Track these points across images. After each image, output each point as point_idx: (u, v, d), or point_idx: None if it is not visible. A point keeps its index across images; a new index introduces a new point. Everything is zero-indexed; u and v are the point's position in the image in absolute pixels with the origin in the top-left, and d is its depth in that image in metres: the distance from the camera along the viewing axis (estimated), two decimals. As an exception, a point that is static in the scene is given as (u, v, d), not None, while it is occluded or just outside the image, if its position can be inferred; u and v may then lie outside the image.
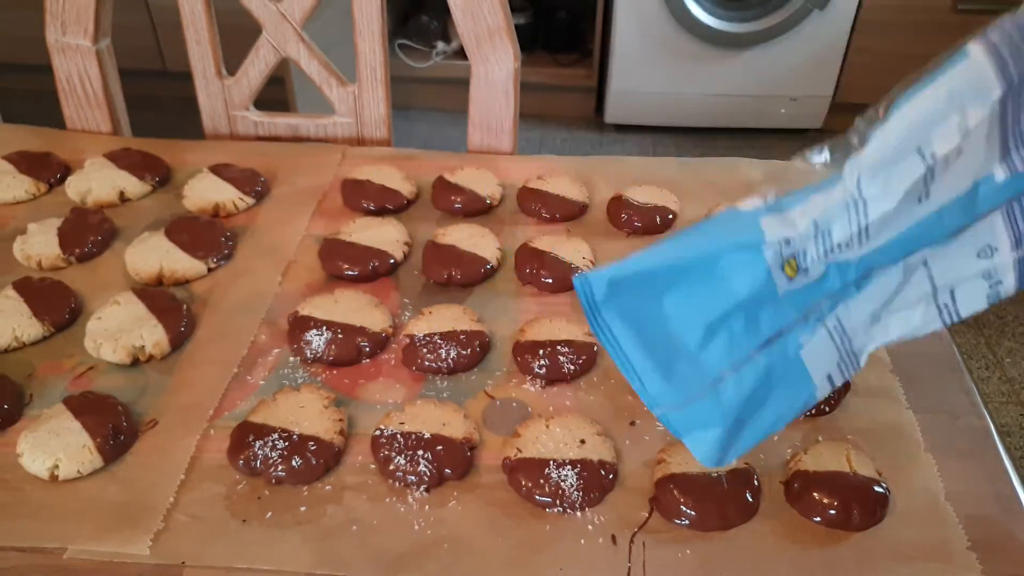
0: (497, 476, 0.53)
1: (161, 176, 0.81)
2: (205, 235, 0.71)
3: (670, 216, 0.75)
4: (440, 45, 2.40)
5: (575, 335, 0.62)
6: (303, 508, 0.51)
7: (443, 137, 2.35)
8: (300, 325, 0.63)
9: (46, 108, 1.00)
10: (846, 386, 0.58)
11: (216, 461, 0.54)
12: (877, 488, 0.51)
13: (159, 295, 0.65)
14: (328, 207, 0.78)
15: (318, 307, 0.64)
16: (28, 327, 0.63)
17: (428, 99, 2.44)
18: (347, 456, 0.55)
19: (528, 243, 0.71)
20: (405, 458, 0.53)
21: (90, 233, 0.72)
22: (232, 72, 0.89)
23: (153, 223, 0.75)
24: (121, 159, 0.81)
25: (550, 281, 0.68)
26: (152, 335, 0.61)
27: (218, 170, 0.80)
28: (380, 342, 0.62)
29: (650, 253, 0.43)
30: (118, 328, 0.62)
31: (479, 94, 0.85)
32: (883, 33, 2.15)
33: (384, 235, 0.72)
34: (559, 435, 0.54)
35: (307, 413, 0.56)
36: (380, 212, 0.77)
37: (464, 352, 0.61)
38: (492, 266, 0.70)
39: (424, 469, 0.52)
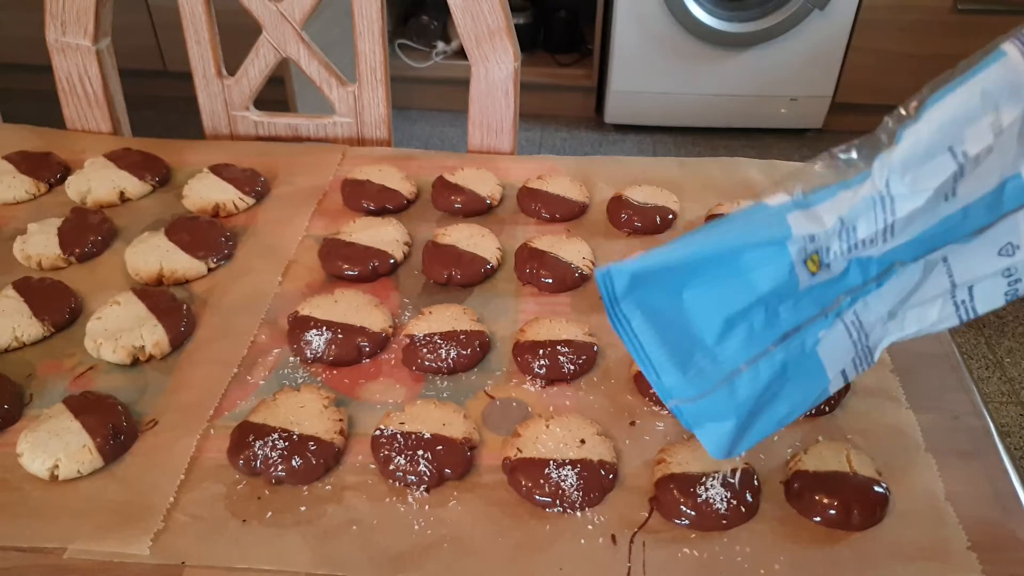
0: (497, 476, 0.53)
1: (161, 176, 0.81)
2: (205, 235, 0.71)
3: (670, 216, 0.75)
4: (440, 45, 2.40)
5: (575, 335, 0.62)
6: (303, 508, 0.51)
7: (443, 137, 2.35)
8: (300, 325, 0.63)
9: (46, 108, 1.00)
10: (846, 386, 0.58)
11: (216, 461, 0.54)
12: (877, 488, 0.51)
13: (159, 295, 0.65)
14: (328, 207, 0.78)
15: (318, 307, 0.64)
16: (28, 327, 0.63)
17: (428, 99, 2.44)
18: (347, 456, 0.55)
19: (528, 243, 0.71)
20: (405, 458, 0.53)
21: (90, 233, 0.72)
22: (232, 72, 0.89)
23: (153, 223, 0.75)
24: (121, 159, 0.81)
25: (550, 281, 0.68)
26: (152, 335, 0.61)
27: (218, 170, 0.80)
28: (380, 342, 0.62)
29: (673, 247, 0.43)
30: (118, 328, 0.62)
31: (479, 94, 0.85)
32: (883, 33, 2.15)
33: (384, 235, 0.72)
34: (559, 435, 0.54)
35: (307, 413, 0.56)
36: (380, 212, 0.77)
37: (464, 352, 0.61)
38: (492, 266, 0.70)
39: (424, 469, 0.52)
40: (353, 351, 0.61)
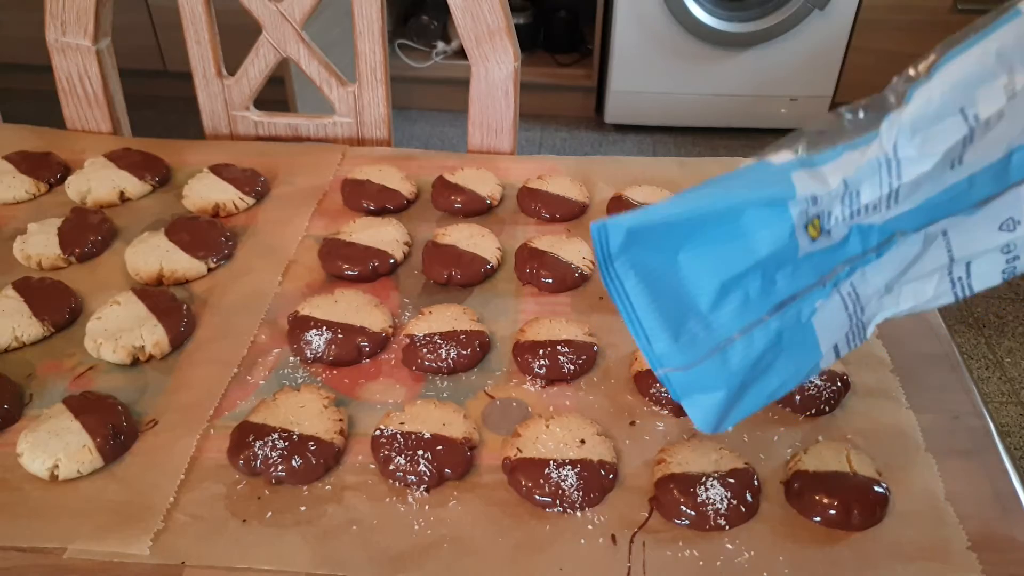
0: (497, 476, 0.53)
1: (161, 176, 0.81)
2: (205, 235, 0.71)
3: (670, 216, 0.75)
4: (440, 45, 2.40)
5: (575, 335, 0.62)
6: (303, 508, 0.51)
7: (443, 137, 2.35)
8: (300, 325, 0.63)
9: (46, 108, 1.00)
10: (846, 386, 0.58)
11: (216, 461, 0.54)
12: (877, 488, 0.51)
13: (159, 295, 0.65)
14: (328, 207, 0.78)
15: (318, 307, 0.64)
16: (28, 327, 0.63)
17: (428, 99, 2.44)
18: (347, 456, 0.55)
19: (528, 243, 0.71)
20: (405, 458, 0.53)
21: (90, 233, 0.72)
22: (232, 72, 0.89)
23: (153, 223, 0.75)
24: (121, 159, 0.81)
25: (550, 281, 0.68)
26: (152, 335, 0.61)
27: (218, 170, 0.80)
28: (380, 342, 0.62)
29: (673, 202, 0.41)
30: (118, 328, 0.62)
31: (479, 94, 0.85)
32: (883, 33, 2.15)
33: (384, 235, 0.72)
34: (559, 435, 0.54)
35: (307, 413, 0.56)
36: (380, 212, 0.77)
37: (464, 352, 0.61)
38: (492, 266, 0.70)
39: (424, 469, 0.52)
40: (353, 351, 0.61)
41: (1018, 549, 0.49)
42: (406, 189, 0.78)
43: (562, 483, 0.51)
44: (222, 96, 0.89)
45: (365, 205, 0.77)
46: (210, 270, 0.70)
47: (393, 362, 0.62)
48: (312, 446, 0.53)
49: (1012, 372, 1.65)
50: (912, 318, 0.64)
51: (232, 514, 0.51)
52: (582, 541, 0.49)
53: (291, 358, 0.62)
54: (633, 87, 2.28)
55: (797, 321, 0.43)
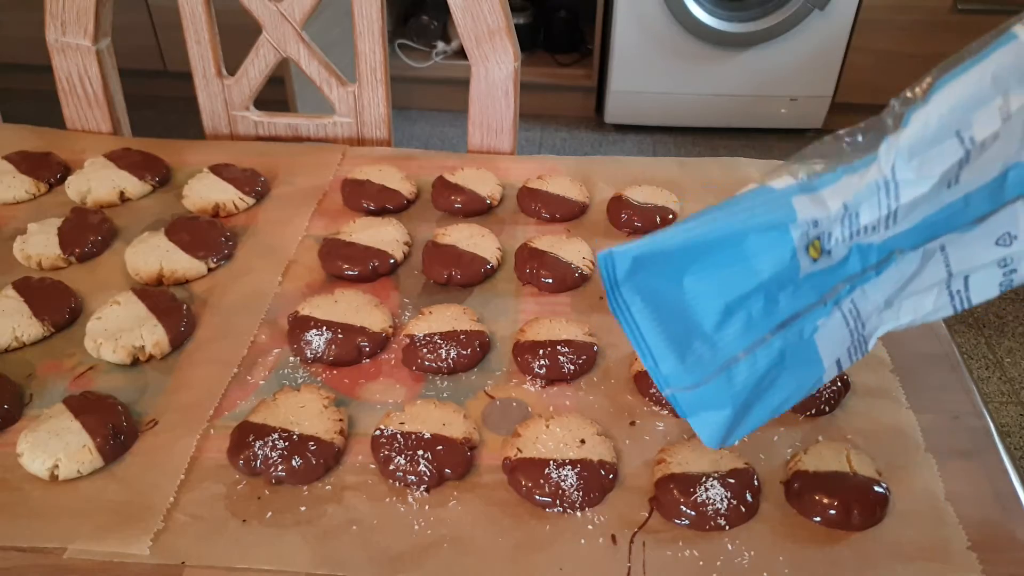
0: (497, 476, 0.53)
1: (161, 176, 0.81)
2: (205, 235, 0.71)
3: (670, 216, 0.75)
4: (440, 45, 2.40)
5: (575, 335, 0.62)
6: (303, 508, 0.51)
7: (443, 137, 2.35)
8: (300, 325, 0.63)
9: (46, 108, 1.00)
10: (846, 386, 0.58)
11: (216, 461, 0.54)
12: (877, 488, 0.51)
13: (159, 295, 0.65)
14: (328, 207, 0.78)
15: (318, 307, 0.64)
16: (28, 327, 0.63)
17: (428, 99, 2.44)
18: (347, 456, 0.55)
19: (528, 243, 0.71)
20: (405, 458, 0.53)
21: (90, 233, 0.72)
22: (232, 72, 0.89)
23: (153, 223, 0.75)
24: (121, 159, 0.81)
25: (550, 281, 0.68)
26: (152, 335, 0.61)
27: (218, 170, 0.80)
28: (380, 342, 0.62)
29: (676, 230, 0.42)
30: (118, 328, 0.62)
31: (479, 94, 0.85)
32: (883, 33, 2.15)
33: (384, 235, 0.72)
34: (559, 435, 0.54)
35: (307, 413, 0.56)
36: (380, 212, 0.77)
37: (464, 352, 0.61)
38: (492, 266, 0.70)
39: (424, 469, 0.52)
40: (353, 351, 0.61)
41: (1018, 549, 0.49)
42: (406, 189, 0.78)
43: (562, 483, 0.51)
44: (222, 96, 0.89)
45: (365, 205, 0.77)
46: (210, 270, 0.70)
47: (393, 362, 0.62)
48: (312, 446, 0.53)
49: (1012, 372, 1.65)
50: (912, 318, 0.64)
51: (232, 514, 0.51)
52: (582, 541, 0.49)
53: (291, 358, 0.62)
54: (633, 87, 2.28)
55: (799, 339, 0.44)
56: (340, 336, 0.61)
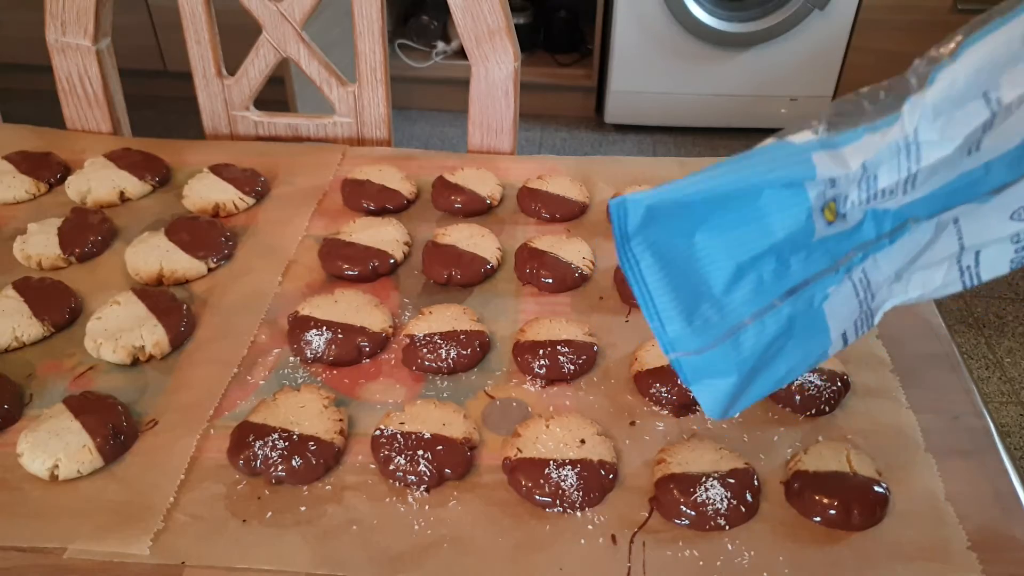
0: (497, 476, 0.53)
1: (161, 176, 0.81)
2: (205, 235, 0.71)
3: (670, 216, 0.75)
4: (440, 45, 2.40)
5: (575, 335, 0.62)
6: (303, 508, 0.51)
7: (443, 137, 2.35)
8: (300, 325, 0.63)
9: (46, 108, 1.00)
10: (846, 386, 0.58)
11: (216, 461, 0.54)
12: (877, 488, 0.51)
13: (159, 295, 0.65)
14: (328, 207, 0.78)
15: (318, 307, 0.64)
16: (28, 327, 0.63)
17: (428, 99, 2.44)
18: (347, 456, 0.55)
19: (528, 243, 0.71)
20: (405, 458, 0.53)
21: (90, 233, 0.72)
22: (232, 72, 0.89)
23: (153, 223, 0.75)
24: (121, 159, 0.81)
25: (550, 281, 0.68)
26: (152, 335, 0.61)
27: (218, 170, 0.80)
28: (380, 342, 0.62)
29: (691, 180, 0.41)
30: (118, 328, 0.62)
31: (479, 94, 0.85)
32: (883, 33, 2.15)
33: (384, 235, 0.72)
34: (559, 435, 0.54)
35: (307, 413, 0.56)
36: (380, 212, 0.77)
37: (464, 352, 0.61)
38: (492, 266, 0.70)
39: (424, 469, 0.52)
40: (353, 351, 0.61)
41: (1018, 549, 0.49)
42: (406, 189, 0.78)
43: (562, 483, 0.51)
44: (222, 96, 0.89)
45: (365, 205, 0.77)
46: (210, 270, 0.70)
47: (393, 362, 0.62)
48: (312, 446, 0.53)
49: (1012, 372, 1.65)
50: (912, 317, 0.64)
51: (232, 514, 0.51)
52: (582, 541, 0.49)
53: (291, 358, 0.62)
54: (633, 87, 2.28)
55: (809, 307, 0.43)
56: (340, 336, 0.61)
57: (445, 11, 0.84)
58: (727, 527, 0.50)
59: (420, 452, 0.53)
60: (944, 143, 0.40)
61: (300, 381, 0.60)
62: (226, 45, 0.89)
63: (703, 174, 0.41)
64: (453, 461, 0.53)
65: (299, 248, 0.73)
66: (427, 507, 0.51)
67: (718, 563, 0.48)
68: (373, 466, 0.54)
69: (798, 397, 0.57)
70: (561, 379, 0.60)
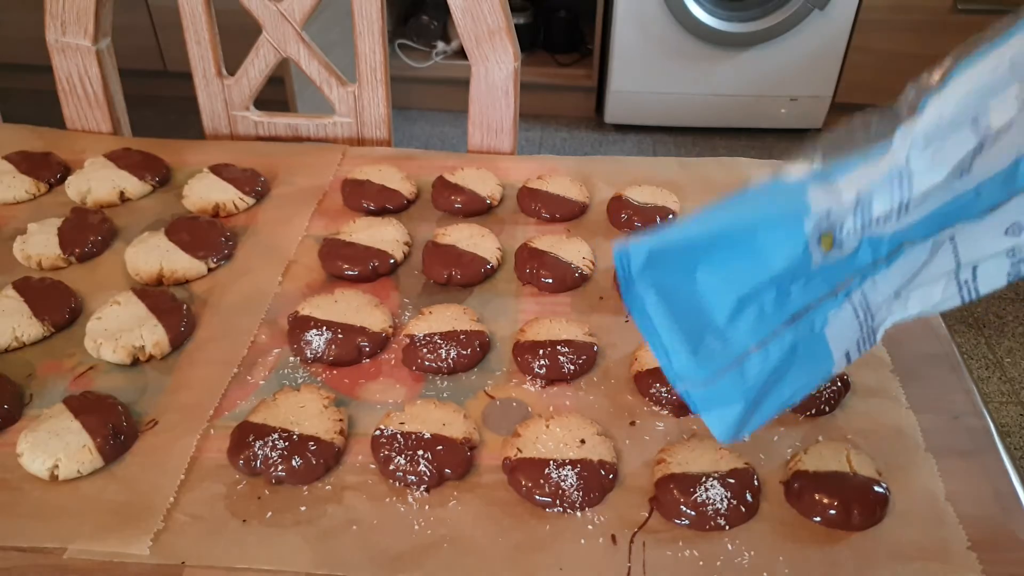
0: (497, 476, 0.53)
1: (161, 176, 0.81)
2: (205, 235, 0.71)
3: (670, 216, 0.75)
4: (440, 45, 2.40)
5: (575, 335, 0.62)
6: (303, 508, 0.51)
7: (443, 137, 2.35)
8: (300, 325, 0.63)
9: (46, 108, 1.00)
10: (846, 386, 0.58)
11: (216, 461, 0.54)
12: (877, 488, 0.51)
13: (159, 295, 0.65)
14: (328, 207, 0.78)
15: (318, 307, 0.64)
16: (28, 327, 0.63)
17: (428, 99, 2.44)
18: (347, 456, 0.55)
19: (528, 243, 0.71)
20: (405, 458, 0.53)
21: (90, 233, 0.72)
22: (232, 72, 0.89)
23: (153, 223, 0.75)
24: (121, 159, 0.81)
25: (550, 281, 0.68)
26: (152, 335, 0.61)
27: (218, 170, 0.80)
28: (380, 342, 0.62)
29: (690, 223, 0.42)
30: (118, 328, 0.62)
31: (479, 94, 0.85)
32: (883, 33, 2.15)
33: (384, 235, 0.72)
34: (559, 435, 0.54)
35: (307, 413, 0.56)
36: (380, 212, 0.77)
37: (464, 352, 0.61)
38: (492, 266, 0.70)
39: (424, 469, 0.52)
40: (353, 351, 0.61)
41: (1018, 549, 0.49)
42: (406, 189, 0.78)
43: (562, 483, 0.51)
44: (222, 96, 0.89)
45: (365, 205, 0.77)
46: (210, 270, 0.70)
47: (393, 362, 0.62)
48: (312, 446, 0.53)
49: (1012, 372, 1.65)
50: (912, 318, 0.64)
51: (232, 514, 0.51)
52: (582, 541, 0.49)
53: (291, 358, 0.62)
54: (633, 87, 2.28)
55: (810, 332, 0.44)
56: (340, 336, 0.61)
57: (445, 11, 0.84)
58: (727, 527, 0.50)
59: (420, 452, 0.53)
60: (935, 170, 0.40)
61: (300, 381, 0.60)
62: (226, 45, 0.89)
63: (701, 216, 0.42)
64: (453, 461, 0.53)
65: (299, 248, 0.73)
66: (427, 507, 0.51)
67: (718, 563, 0.48)
68: (373, 466, 0.54)
69: (798, 397, 0.57)
70: (561, 379, 0.60)
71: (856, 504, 0.50)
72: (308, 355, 0.61)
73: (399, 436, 0.54)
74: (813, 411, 0.57)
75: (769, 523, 0.51)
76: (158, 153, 0.83)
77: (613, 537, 0.50)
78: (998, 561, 0.48)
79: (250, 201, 0.78)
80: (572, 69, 2.41)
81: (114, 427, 0.54)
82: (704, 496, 0.50)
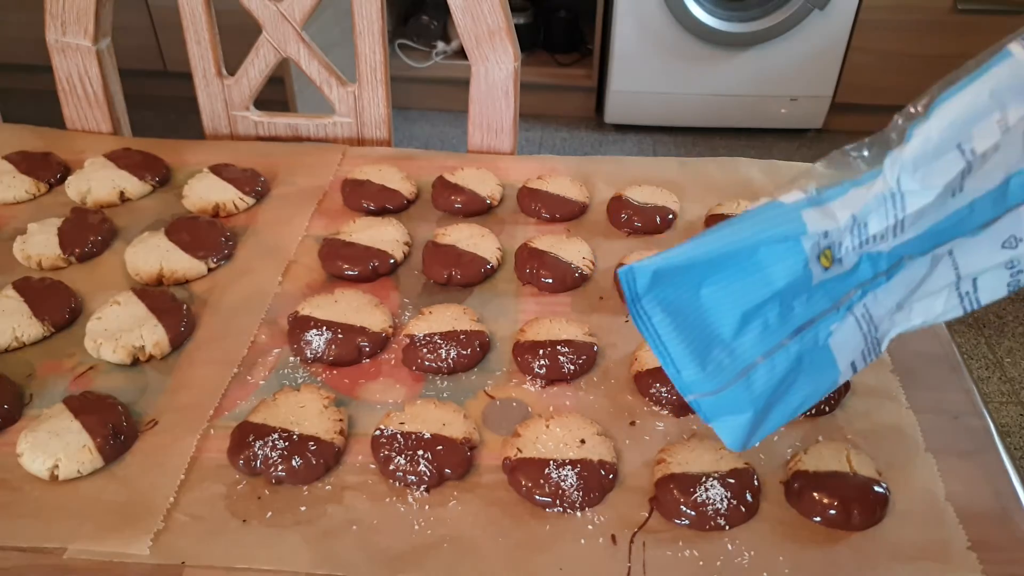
0: (497, 476, 0.53)
1: (161, 176, 0.81)
2: (205, 235, 0.71)
3: (670, 216, 0.75)
4: (440, 45, 2.40)
5: (575, 335, 0.62)
6: (303, 508, 0.51)
7: (443, 137, 2.35)
8: (300, 325, 0.63)
9: (46, 108, 1.00)
10: (846, 386, 0.58)
11: (216, 461, 0.54)
12: (877, 488, 0.51)
13: (159, 295, 0.65)
14: (328, 207, 0.78)
15: (318, 307, 0.64)
16: (28, 327, 0.63)
17: (428, 99, 2.44)
18: (347, 456, 0.55)
19: (528, 243, 0.71)
20: (405, 458, 0.53)
21: (90, 233, 0.72)
22: (232, 72, 0.89)
23: (153, 223, 0.75)
24: (121, 159, 0.81)
25: (550, 281, 0.68)
26: (152, 335, 0.61)
27: (218, 170, 0.80)
28: (380, 342, 0.62)
29: (692, 244, 0.44)
30: (118, 328, 0.62)
31: (479, 94, 0.85)
32: (883, 33, 2.15)
33: (384, 235, 0.72)
34: (559, 435, 0.54)
35: (307, 413, 0.56)
36: (380, 212, 0.77)
37: (464, 352, 0.61)
38: (492, 266, 0.70)
39: (424, 469, 0.52)
40: (353, 351, 0.61)
41: (1018, 549, 0.49)
42: (406, 189, 0.78)
43: (562, 483, 0.51)
44: (222, 96, 0.89)
45: (365, 205, 0.77)
46: (210, 270, 0.70)
47: (393, 362, 0.62)
48: (312, 446, 0.53)
49: (1012, 372, 1.65)
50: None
51: (232, 514, 0.51)
52: (582, 541, 0.49)
53: (291, 358, 0.62)
54: (633, 87, 2.28)
55: (815, 344, 0.46)
56: (340, 336, 0.61)
57: (445, 11, 0.84)
58: (727, 527, 0.50)
59: (420, 452, 0.53)
60: (926, 191, 0.43)
61: (300, 381, 0.60)
62: (226, 45, 0.89)
63: (702, 238, 0.44)
64: (453, 461, 0.53)
65: (299, 248, 0.73)
66: (427, 507, 0.51)
67: (718, 563, 0.48)
68: (373, 466, 0.54)
69: (798, 397, 0.57)
70: (561, 379, 0.60)
71: (856, 504, 0.50)
72: (308, 355, 0.61)
73: (399, 436, 0.54)
74: (813, 411, 0.57)
75: (769, 523, 0.51)
76: (158, 153, 0.83)
77: (613, 537, 0.50)
78: (998, 561, 0.48)
79: (250, 201, 0.78)
80: (572, 69, 2.41)
81: (114, 427, 0.54)
82: (704, 496, 0.50)
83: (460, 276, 0.69)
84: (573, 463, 0.52)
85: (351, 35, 0.85)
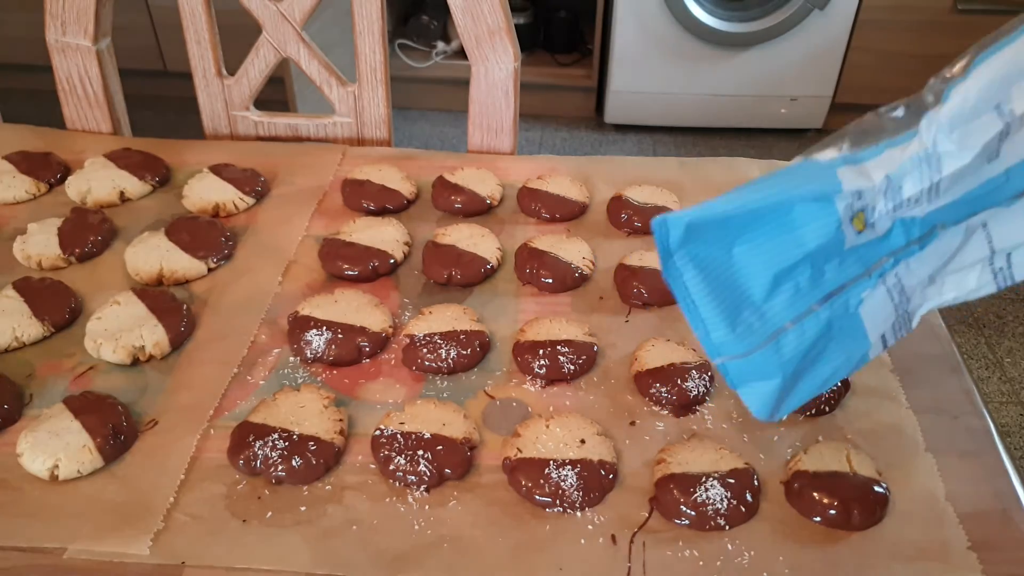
0: (497, 476, 0.53)
1: (161, 176, 0.81)
2: (205, 235, 0.71)
3: (670, 216, 0.75)
4: (440, 45, 2.40)
5: (575, 335, 0.62)
6: (303, 508, 0.51)
7: (443, 137, 2.35)
8: (300, 325, 0.63)
9: (46, 108, 1.00)
10: (846, 386, 0.58)
11: (216, 461, 0.54)
12: (877, 488, 0.51)
13: (159, 295, 0.65)
14: (328, 207, 0.78)
15: (318, 307, 0.64)
16: (28, 327, 0.63)
17: (428, 99, 2.44)
18: (347, 456, 0.55)
19: (528, 243, 0.71)
20: (405, 458, 0.53)
21: (90, 233, 0.72)
22: (232, 72, 0.89)
23: (153, 223, 0.75)
24: (121, 159, 0.81)
25: (550, 281, 0.68)
26: (152, 335, 0.61)
27: (218, 170, 0.80)
28: (380, 342, 0.62)
29: (727, 198, 0.43)
30: (118, 328, 0.62)
31: (479, 94, 0.85)
32: (883, 33, 2.15)
33: (384, 235, 0.72)
34: (559, 435, 0.54)
35: (307, 413, 0.56)
36: (380, 212, 0.77)
37: (464, 352, 0.61)
38: (492, 266, 0.70)
39: (424, 469, 0.52)
40: (353, 351, 0.61)
41: (1018, 549, 0.49)
42: (406, 189, 0.78)
43: (562, 483, 0.51)
44: (222, 96, 0.89)
45: (365, 205, 0.77)
46: (210, 270, 0.70)
47: (393, 362, 0.62)
48: (312, 446, 0.53)
49: (1012, 372, 1.65)
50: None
51: (232, 514, 0.51)
52: (582, 541, 0.49)
53: (291, 358, 0.62)
54: (633, 87, 2.28)
55: (845, 311, 0.45)
56: (340, 336, 0.61)
57: (445, 11, 0.84)
58: (727, 527, 0.50)
59: (420, 452, 0.53)
60: (963, 153, 0.42)
61: (300, 381, 0.60)
62: (226, 45, 0.89)
63: (737, 192, 0.43)
64: (453, 461, 0.53)
65: (299, 248, 0.73)
66: (427, 507, 0.51)
67: (718, 563, 0.48)
68: (373, 466, 0.54)
69: (798, 397, 0.57)
70: (561, 379, 0.60)
71: (856, 504, 0.50)
72: (308, 355, 0.61)
73: (399, 436, 0.54)
74: (813, 411, 0.57)
75: (769, 523, 0.51)
76: (158, 153, 0.83)
77: (613, 537, 0.50)
78: (998, 561, 0.48)
79: (250, 201, 0.78)
80: (572, 69, 2.41)
81: (114, 427, 0.54)
82: (704, 496, 0.50)
83: (460, 276, 0.69)
84: (573, 463, 0.52)
85: (351, 35, 0.85)
